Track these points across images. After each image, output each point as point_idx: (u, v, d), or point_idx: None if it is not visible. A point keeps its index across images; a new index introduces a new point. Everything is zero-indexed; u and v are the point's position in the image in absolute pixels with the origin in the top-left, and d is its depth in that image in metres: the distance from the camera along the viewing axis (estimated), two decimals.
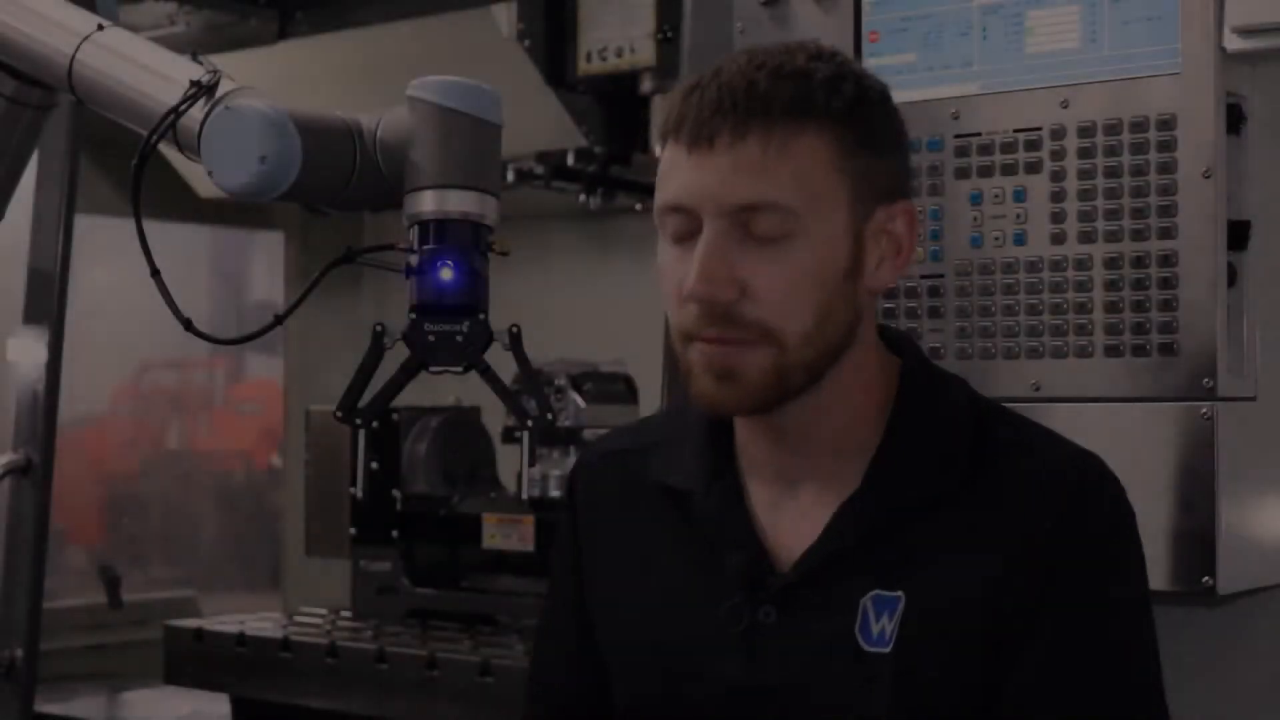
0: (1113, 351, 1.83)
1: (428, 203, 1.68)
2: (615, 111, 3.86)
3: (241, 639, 3.61)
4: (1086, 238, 1.85)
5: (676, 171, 1.49)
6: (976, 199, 1.92)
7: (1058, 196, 1.87)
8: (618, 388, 3.85)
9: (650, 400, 3.74)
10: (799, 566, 1.53)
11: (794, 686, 1.51)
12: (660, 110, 1.43)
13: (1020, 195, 1.89)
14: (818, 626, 1.51)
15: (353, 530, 3.83)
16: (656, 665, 1.60)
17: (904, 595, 1.49)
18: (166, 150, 1.82)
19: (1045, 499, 1.49)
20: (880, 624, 1.49)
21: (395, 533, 3.78)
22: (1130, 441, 1.81)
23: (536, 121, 3.82)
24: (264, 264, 6.88)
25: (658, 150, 1.56)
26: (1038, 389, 1.87)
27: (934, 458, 1.53)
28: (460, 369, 1.71)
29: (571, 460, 3.60)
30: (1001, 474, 1.52)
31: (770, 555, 1.55)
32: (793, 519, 1.56)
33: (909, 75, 1.98)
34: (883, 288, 1.55)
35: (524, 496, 3.57)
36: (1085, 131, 1.85)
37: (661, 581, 1.61)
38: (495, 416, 3.91)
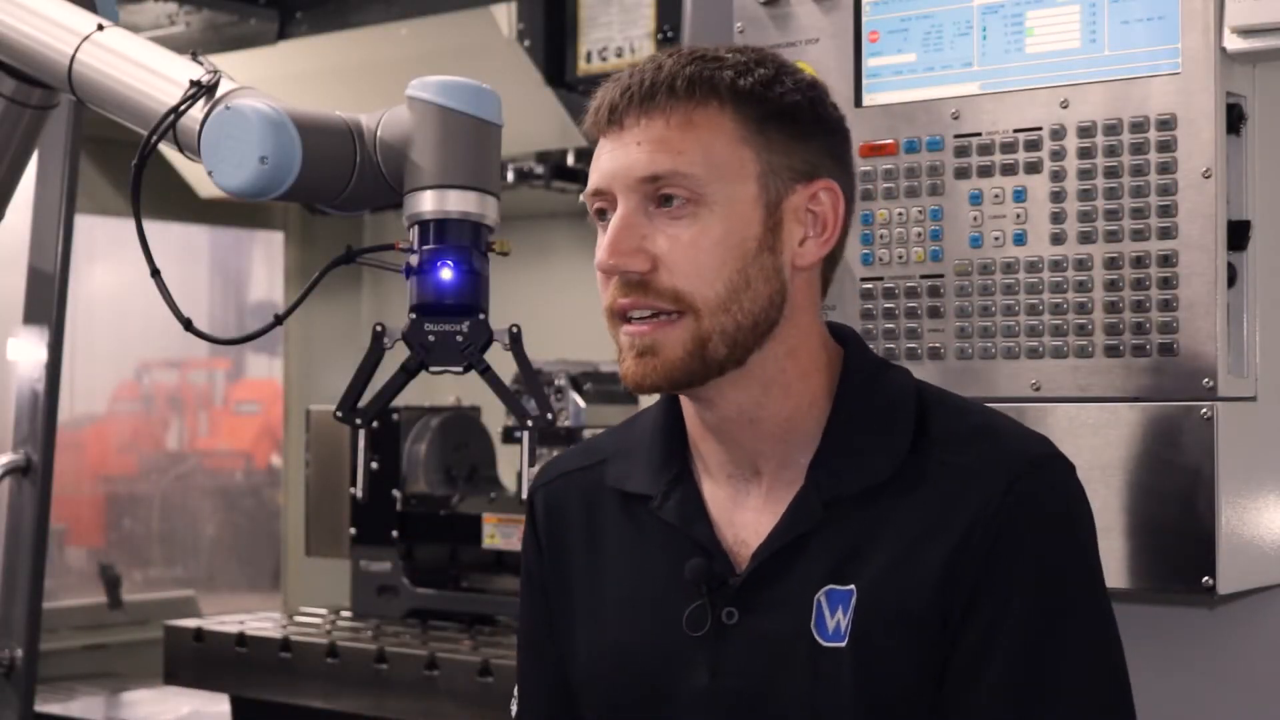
0: (1113, 351, 1.83)
1: (428, 203, 1.68)
2: None
3: (241, 639, 3.61)
4: (1086, 238, 1.84)
5: (597, 160, 1.54)
6: (976, 199, 1.92)
7: (1058, 196, 1.86)
8: (618, 388, 3.85)
9: (650, 400, 3.73)
10: (750, 565, 1.53)
11: (758, 685, 1.52)
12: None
13: (1020, 195, 1.89)
14: (776, 625, 1.52)
15: (353, 530, 3.84)
16: (626, 673, 1.60)
17: (855, 589, 1.50)
18: (166, 150, 1.82)
19: (988, 484, 1.49)
20: (835, 619, 1.50)
21: (395, 533, 3.78)
22: (1130, 441, 1.81)
23: (536, 121, 3.82)
24: (264, 264, 6.88)
25: None
26: (1038, 389, 1.87)
27: (876, 447, 1.53)
28: (460, 369, 1.71)
29: None
30: (945, 460, 1.52)
31: (731, 555, 1.55)
32: (748, 517, 1.56)
33: (909, 75, 1.98)
34: (810, 265, 1.55)
35: (524, 497, 3.55)
36: (1085, 131, 1.85)
37: (625, 590, 1.61)
38: (495, 416, 3.91)
